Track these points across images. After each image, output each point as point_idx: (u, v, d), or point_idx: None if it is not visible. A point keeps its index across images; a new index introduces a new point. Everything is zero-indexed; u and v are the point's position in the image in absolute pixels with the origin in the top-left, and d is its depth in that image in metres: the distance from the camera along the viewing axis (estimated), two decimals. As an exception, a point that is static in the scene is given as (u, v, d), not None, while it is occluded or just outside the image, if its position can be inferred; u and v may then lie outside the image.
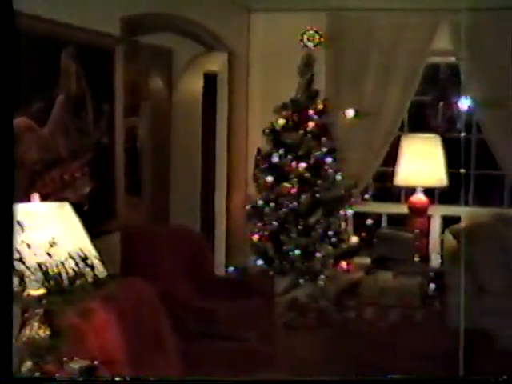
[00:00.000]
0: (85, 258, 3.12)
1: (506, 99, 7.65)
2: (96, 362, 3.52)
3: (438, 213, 8.20)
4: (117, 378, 3.32)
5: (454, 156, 7.97)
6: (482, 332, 5.79)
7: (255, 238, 7.57)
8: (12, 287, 2.76)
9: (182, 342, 4.77)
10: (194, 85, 7.82)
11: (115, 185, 5.62)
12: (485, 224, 7.16)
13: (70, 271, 3.02)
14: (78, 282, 3.04)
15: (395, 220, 8.35)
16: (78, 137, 4.98)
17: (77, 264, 3.06)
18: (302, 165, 7.40)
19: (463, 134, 8.19)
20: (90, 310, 3.49)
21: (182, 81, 7.70)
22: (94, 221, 4.87)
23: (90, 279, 3.16)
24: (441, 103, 8.39)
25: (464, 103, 8.14)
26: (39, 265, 2.95)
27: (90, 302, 3.51)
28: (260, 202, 7.54)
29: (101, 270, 3.24)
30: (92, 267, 3.16)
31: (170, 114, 7.57)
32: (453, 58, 7.77)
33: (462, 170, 8.20)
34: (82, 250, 3.13)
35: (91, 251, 3.31)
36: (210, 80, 7.90)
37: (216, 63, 7.87)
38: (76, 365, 3.36)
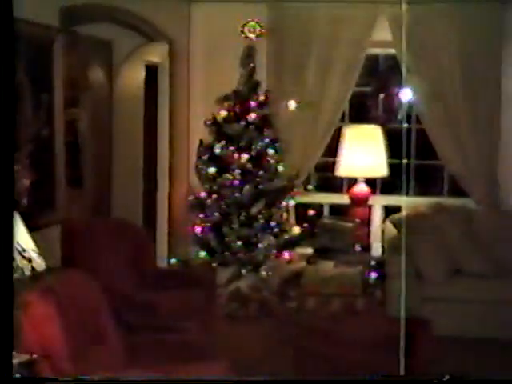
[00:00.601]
0: (22, 251, 3.10)
1: (445, 90, 7.77)
2: (35, 356, 3.50)
3: (379, 203, 8.29)
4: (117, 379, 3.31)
5: (394, 146, 8.06)
6: (422, 319, 5.86)
7: (197, 229, 7.56)
8: (12, 289, 2.74)
9: (124, 335, 4.75)
10: (135, 76, 7.77)
11: (55, 177, 5.57)
12: (424, 213, 7.25)
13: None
14: (15, 274, 3.03)
15: (337, 210, 8.42)
16: (17, 128, 4.92)
17: (13, 257, 3.04)
18: (244, 156, 7.42)
19: (404, 125, 8.27)
20: (28, 303, 3.47)
21: (123, 72, 7.64)
22: (33, 214, 4.83)
23: (27, 272, 3.14)
24: (381, 94, 8.46)
25: (405, 94, 8.22)
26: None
27: (29, 295, 3.49)
28: (202, 194, 7.54)
29: (39, 263, 3.22)
30: (29, 260, 3.14)
31: (111, 106, 7.51)
32: (393, 50, 7.83)
33: (403, 161, 8.27)
34: (18, 243, 3.11)
35: (29, 244, 3.29)
36: (152, 71, 7.86)
37: (157, 54, 7.83)
38: (15, 359, 3.34)
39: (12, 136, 2.55)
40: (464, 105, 7.72)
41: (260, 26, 7.64)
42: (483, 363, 6.15)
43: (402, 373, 3.80)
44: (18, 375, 3.21)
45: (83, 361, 4.14)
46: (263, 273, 7.40)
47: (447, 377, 2.95)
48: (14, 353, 3.31)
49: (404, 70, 7.70)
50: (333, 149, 8.12)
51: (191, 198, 7.65)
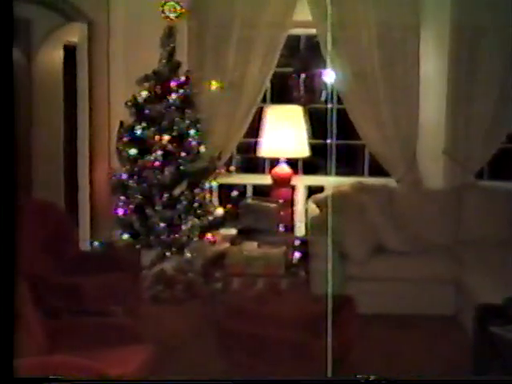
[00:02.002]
0: None
1: (364, 70, 7.83)
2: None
3: (301, 183, 8.33)
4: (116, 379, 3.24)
5: (316, 126, 8.11)
6: (346, 297, 5.92)
7: (120, 211, 7.48)
8: (13, 291, 2.67)
9: (47, 320, 4.68)
10: (53, 57, 7.65)
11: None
12: (346, 193, 7.31)
13: None
14: None
15: (260, 191, 8.43)
16: None
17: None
18: (166, 137, 7.35)
19: (325, 105, 8.33)
20: None
21: (42, 53, 7.50)
22: None
23: None
24: (303, 75, 8.49)
25: (325, 74, 8.27)
26: None
27: None
28: (124, 176, 7.45)
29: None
30: None
31: (30, 88, 7.37)
32: (314, 30, 7.85)
33: (326, 141, 8.34)
34: None
35: None
36: (70, 52, 7.72)
37: (76, 35, 7.70)
38: None
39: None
40: (383, 85, 7.79)
41: (180, 6, 7.55)
42: (406, 340, 6.26)
43: (329, 351, 3.82)
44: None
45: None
46: (187, 254, 7.37)
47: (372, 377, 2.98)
48: None
49: (324, 50, 7.78)
50: (254, 130, 8.12)
51: (113, 179, 7.56)
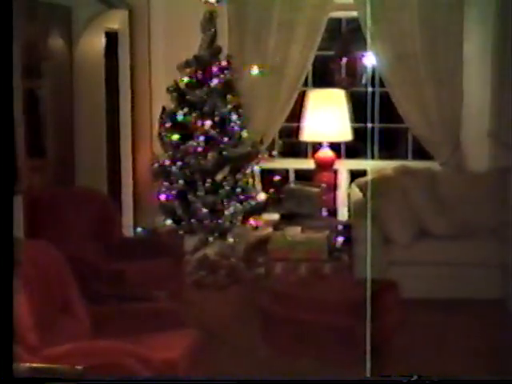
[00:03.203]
0: (-17, 222, 3.04)
1: (407, 52, 7.74)
2: None
3: (344, 167, 8.28)
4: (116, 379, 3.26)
5: (358, 110, 8.05)
6: (389, 281, 5.89)
7: (163, 197, 7.51)
8: (12, 291, 2.69)
9: (91, 305, 4.71)
10: (95, 44, 7.66)
11: (15, 147, 5.47)
12: (390, 176, 7.26)
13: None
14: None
15: (302, 175, 8.40)
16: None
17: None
18: (208, 122, 7.35)
19: (368, 89, 8.26)
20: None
21: (83, 40, 7.52)
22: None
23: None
24: (344, 58, 8.42)
25: (368, 57, 8.20)
26: None
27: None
28: (166, 161, 7.47)
29: (1, 234, 3.15)
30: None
31: (71, 74, 7.40)
32: (354, 12, 7.78)
33: (368, 124, 8.27)
34: (-21, 214, 3.04)
35: (-10, 214, 3.22)
36: (112, 38, 7.75)
37: (117, 21, 7.72)
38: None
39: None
40: (426, 67, 7.70)
41: (220, -10, 7.53)
42: (450, 324, 6.21)
43: (368, 335, 3.79)
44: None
45: (50, 331, 4.10)
46: (230, 240, 7.37)
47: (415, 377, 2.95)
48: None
49: (366, 33, 7.70)
50: (296, 114, 8.08)
51: (155, 165, 7.58)
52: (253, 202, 7.58)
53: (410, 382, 3.14)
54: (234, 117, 7.51)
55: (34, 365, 3.52)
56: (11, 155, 2.49)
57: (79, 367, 3.44)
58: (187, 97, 7.44)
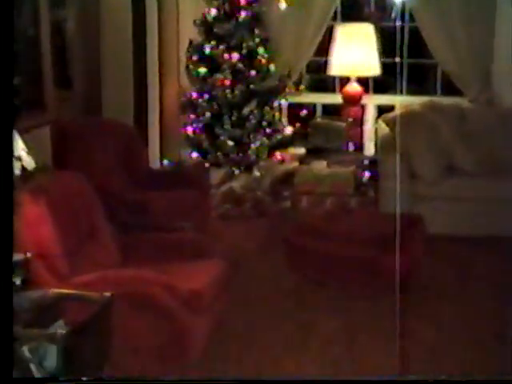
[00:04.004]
0: (11, 149, 3.06)
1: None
2: (29, 255, 3.50)
3: (371, 102, 8.22)
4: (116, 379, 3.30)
5: (387, 45, 7.96)
6: (413, 216, 5.88)
7: (189, 130, 7.52)
8: (12, 291, 2.71)
9: (118, 234, 4.76)
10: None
11: (43, 78, 5.49)
12: (418, 112, 7.20)
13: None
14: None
15: (330, 110, 8.36)
16: None
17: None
18: (235, 55, 7.31)
19: (397, 23, 8.14)
20: (20, 202, 3.44)
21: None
22: (22, 114, 4.77)
23: (17, 171, 3.10)
24: (374, -9, 8.31)
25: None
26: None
27: (20, 195, 3.46)
28: (193, 94, 7.46)
29: (29, 162, 3.18)
30: (19, 158, 3.10)
31: (98, 6, 7.35)
32: None
33: (396, 59, 8.19)
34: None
35: (18, 143, 3.24)
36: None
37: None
38: (9, 258, 3.32)
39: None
40: (457, 1, 7.58)
41: None
42: (476, 260, 6.21)
43: (397, 268, 3.79)
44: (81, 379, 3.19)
45: (78, 259, 4.16)
46: (256, 173, 7.40)
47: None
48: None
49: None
50: (325, 48, 8.00)
51: (182, 98, 7.57)
52: (279, 136, 7.58)
53: (410, 381, 3.18)
54: (262, 50, 7.47)
55: (64, 291, 3.58)
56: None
57: (107, 293, 3.49)
58: (214, 30, 7.39)
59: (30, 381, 3.03)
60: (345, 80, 7.91)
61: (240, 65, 7.34)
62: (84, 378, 3.16)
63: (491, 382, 3.40)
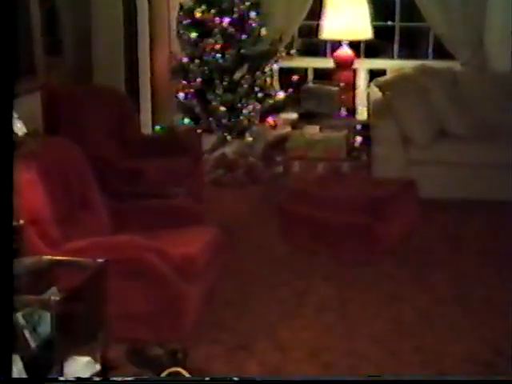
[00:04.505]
0: (2, 115, 3.03)
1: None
2: (22, 222, 3.49)
3: (363, 66, 8.18)
4: (117, 379, 3.30)
5: (379, 8, 7.92)
6: (405, 181, 5.89)
7: (181, 95, 7.48)
8: (12, 292, 2.70)
9: (111, 202, 4.75)
10: None
11: (32, 43, 5.44)
12: (409, 76, 7.17)
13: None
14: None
15: (321, 74, 8.32)
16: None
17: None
18: (226, 20, 7.26)
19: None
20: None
21: None
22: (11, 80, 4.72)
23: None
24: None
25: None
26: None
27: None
28: (184, 59, 7.41)
29: (19, 127, 3.16)
30: (10, 124, 3.07)
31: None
32: None
33: (388, 23, 8.16)
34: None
35: (9, 108, 3.21)
36: None
37: None
38: None
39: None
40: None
41: None
42: (468, 223, 6.23)
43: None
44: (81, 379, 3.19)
45: (70, 226, 4.15)
46: (248, 138, 7.38)
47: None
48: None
49: None
50: (316, 12, 7.95)
51: (173, 63, 7.53)
52: (271, 101, 7.55)
53: (410, 381, 3.19)
54: (253, 14, 7.41)
55: (56, 258, 3.57)
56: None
57: (101, 260, 3.49)
58: (205, -7, 7.33)
59: (30, 381, 3.04)
60: (336, 44, 7.87)
61: (231, 29, 7.29)
62: (84, 377, 3.19)
63: (491, 382, 3.43)
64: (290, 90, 7.75)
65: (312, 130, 7.32)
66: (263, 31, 7.52)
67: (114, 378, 3.26)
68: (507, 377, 3.80)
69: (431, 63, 7.74)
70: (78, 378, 3.17)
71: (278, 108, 7.61)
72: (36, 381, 3.04)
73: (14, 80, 2.65)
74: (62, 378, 3.09)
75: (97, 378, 3.33)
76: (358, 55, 7.97)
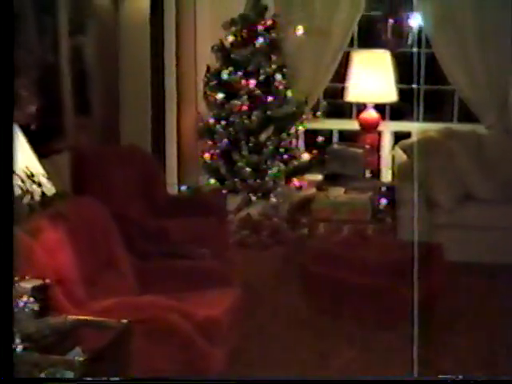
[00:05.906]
0: (31, 176, 3.08)
1: (454, 13, 7.63)
2: (48, 281, 3.50)
3: (388, 129, 8.22)
4: (114, 379, 3.30)
5: (404, 71, 7.97)
6: (432, 245, 5.86)
7: (207, 156, 7.54)
8: (12, 292, 2.72)
9: (136, 262, 4.76)
10: (140, 3, 7.64)
11: (62, 104, 5.52)
12: (435, 139, 7.19)
13: (16, 189, 2.97)
14: (24, 199, 3.00)
15: (346, 136, 8.36)
16: (20, 53, 4.84)
17: (23, 181, 3.01)
18: (252, 82, 7.34)
19: (413, 49, 8.17)
20: (39, 228, 3.46)
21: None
22: (41, 140, 4.80)
23: (37, 197, 3.12)
24: (391, 19, 8.32)
25: (414, 18, 8.10)
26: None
27: (40, 220, 3.48)
28: (211, 120, 7.49)
29: (49, 188, 3.20)
30: (39, 184, 3.11)
31: (117, 32, 7.40)
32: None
33: (413, 86, 8.21)
34: (28, 168, 3.08)
35: (38, 169, 3.26)
36: (157, -2, 7.73)
37: (163, -21, 7.69)
38: (28, 284, 3.34)
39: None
40: (473, 27, 7.59)
41: (265, -51, 7.47)
42: (494, 288, 6.17)
43: (415, 296, 3.79)
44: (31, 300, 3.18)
45: (95, 286, 4.16)
46: (273, 199, 7.40)
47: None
48: (27, 277, 3.31)
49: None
50: (342, 74, 8.03)
51: (200, 124, 7.61)
52: (296, 162, 7.59)
53: (410, 382, 3.16)
54: (279, 76, 7.49)
55: (81, 317, 3.58)
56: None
57: (125, 320, 3.49)
58: (232, 56, 7.43)
59: (30, 381, 3.02)
60: (361, 106, 7.93)
61: (257, 91, 7.37)
62: (87, 379, 3.16)
63: (491, 382, 3.38)
64: (315, 151, 7.79)
65: (337, 192, 7.32)
66: (289, 93, 7.59)
67: (112, 378, 3.22)
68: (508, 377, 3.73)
69: (456, 126, 7.78)
70: (78, 378, 3.14)
71: (303, 169, 7.65)
72: (36, 381, 3.02)
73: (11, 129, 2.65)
74: (61, 378, 3.06)
75: (96, 379, 3.29)
76: (383, 118, 8.01)
